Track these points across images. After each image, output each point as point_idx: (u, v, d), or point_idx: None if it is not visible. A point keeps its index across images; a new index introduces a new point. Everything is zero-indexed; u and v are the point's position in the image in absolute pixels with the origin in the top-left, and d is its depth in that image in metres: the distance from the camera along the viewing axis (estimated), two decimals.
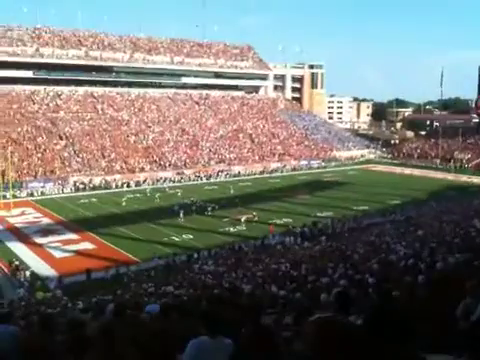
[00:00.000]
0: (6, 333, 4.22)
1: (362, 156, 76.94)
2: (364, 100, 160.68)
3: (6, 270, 26.02)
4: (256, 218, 36.47)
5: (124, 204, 41.57)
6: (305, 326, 2.21)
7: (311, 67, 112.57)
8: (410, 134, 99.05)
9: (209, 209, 39.33)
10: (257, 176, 60.34)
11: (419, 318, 2.98)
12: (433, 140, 77.96)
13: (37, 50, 71.10)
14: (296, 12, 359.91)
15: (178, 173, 57.23)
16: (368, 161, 74.51)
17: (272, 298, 9.24)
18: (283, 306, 7.83)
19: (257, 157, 67.07)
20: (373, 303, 1.69)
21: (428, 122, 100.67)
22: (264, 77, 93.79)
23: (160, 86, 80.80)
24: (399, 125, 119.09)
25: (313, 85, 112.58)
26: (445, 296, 4.35)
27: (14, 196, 43.23)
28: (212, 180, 56.68)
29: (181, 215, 36.53)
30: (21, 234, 33.44)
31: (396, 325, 1.80)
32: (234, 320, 3.26)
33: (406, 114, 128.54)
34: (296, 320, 5.36)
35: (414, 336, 1.96)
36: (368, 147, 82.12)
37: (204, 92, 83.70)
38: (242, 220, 35.39)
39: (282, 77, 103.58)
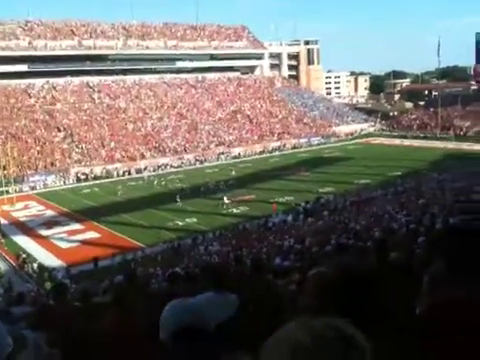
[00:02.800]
0: (19, 312, 4.38)
1: (362, 130, 76.73)
2: (361, 74, 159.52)
3: (14, 263, 26.29)
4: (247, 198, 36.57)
5: (120, 193, 41.37)
6: (306, 279, 2.33)
7: (307, 43, 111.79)
8: (409, 105, 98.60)
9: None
10: (257, 156, 60.35)
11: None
12: (432, 109, 77.57)
13: (30, 43, 70.55)
14: None
15: (178, 158, 57.28)
16: (368, 135, 74.33)
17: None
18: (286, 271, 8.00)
19: (256, 137, 66.97)
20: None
21: (426, 92, 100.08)
22: (260, 56, 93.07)
23: (156, 72, 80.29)
24: (397, 97, 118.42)
25: (309, 61, 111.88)
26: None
27: (16, 190, 43.37)
28: (213, 163, 56.72)
29: (178, 199, 36.48)
30: (26, 227, 33.67)
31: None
32: (239, 278, 3.40)
33: (404, 85, 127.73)
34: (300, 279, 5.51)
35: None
36: (367, 121, 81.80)
37: (200, 75, 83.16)
38: (226, 201, 35.38)
39: (278, 55, 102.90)
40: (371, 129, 78.34)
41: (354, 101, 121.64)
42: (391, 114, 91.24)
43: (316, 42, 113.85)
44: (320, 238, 16.94)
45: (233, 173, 47.35)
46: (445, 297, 1.49)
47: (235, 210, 34.92)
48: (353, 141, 69.21)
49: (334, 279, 1.48)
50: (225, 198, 35.61)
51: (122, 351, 2.63)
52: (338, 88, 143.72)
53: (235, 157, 59.65)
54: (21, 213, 37.60)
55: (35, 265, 25.32)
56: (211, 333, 1.96)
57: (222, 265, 3.75)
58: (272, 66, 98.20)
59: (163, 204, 36.71)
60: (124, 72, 76.64)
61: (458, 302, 1.42)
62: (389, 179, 40.91)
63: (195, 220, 32.94)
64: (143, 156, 56.71)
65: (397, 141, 66.72)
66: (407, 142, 64.90)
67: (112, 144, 57.71)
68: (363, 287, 1.38)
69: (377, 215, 22.25)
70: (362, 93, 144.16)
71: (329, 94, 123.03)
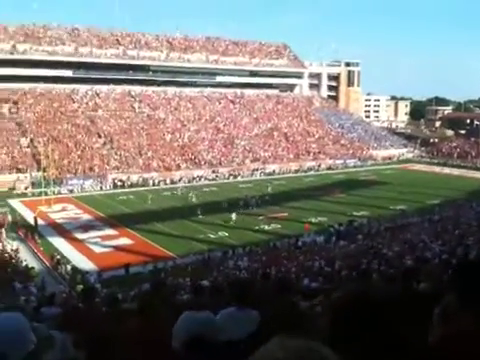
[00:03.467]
0: (49, 313, 4.51)
1: (400, 155, 75.60)
2: (402, 98, 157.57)
3: (48, 264, 26.87)
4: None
5: (150, 203, 41.48)
6: (330, 301, 2.35)
7: (347, 65, 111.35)
8: (450, 133, 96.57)
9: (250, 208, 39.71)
10: (292, 175, 60.17)
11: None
12: (473, 139, 75.82)
13: (76, 49, 72.96)
14: (333, 10, 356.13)
15: (213, 171, 57.72)
16: (406, 160, 73.17)
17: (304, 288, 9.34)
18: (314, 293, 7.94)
19: (292, 156, 66.86)
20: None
21: (468, 121, 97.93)
22: (299, 75, 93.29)
23: (196, 85, 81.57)
24: (438, 124, 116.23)
25: (349, 83, 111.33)
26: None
27: (55, 192, 44.49)
28: (247, 178, 56.86)
29: (233, 217, 35.68)
30: (62, 229, 34.39)
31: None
32: (262, 296, 3.42)
33: (446, 112, 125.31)
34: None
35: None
36: (406, 146, 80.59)
37: (239, 91, 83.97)
38: (233, 218, 35.19)
39: (318, 75, 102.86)
40: (410, 155, 77.13)
41: (393, 126, 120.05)
42: (431, 141, 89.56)
43: (357, 64, 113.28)
44: (350, 262, 16.71)
45: (269, 190, 47.27)
46: (456, 328, 1.49)
47: (267, 227, 34.84)
48: (390, 166, 68.19)
49: (346, 304, 1.50)
50: (233, 215, 35.55)
51: (143, 357, 2.70)
52: (377, 111, 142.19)
53: (269, 174, 59.65)
54: (58, 215, 38.46)
55: (69, 267, 25.73)
56: (222, 346, 2.01)
57: (248, 281, 3.80)
58: (311, 86, 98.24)
59: (196, 216, 36.92)
60: (165, 83, 78.14)
61: (469, 333, 1.42)
62: (426, 207, 40.05)
63: (226, 234, 33.01)
64: (179, 167, 57.41)
65: (436, 168, 65.37)
66: (446, 170, 63.51)
67: (149, 153, 58.68)
68: (375, 314, 1.40)
69: (411, 243, 21.79)
70: (402, 118, 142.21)
71: (368, 117, 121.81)
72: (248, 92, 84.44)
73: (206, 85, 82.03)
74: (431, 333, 1.73)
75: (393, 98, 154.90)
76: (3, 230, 31.55)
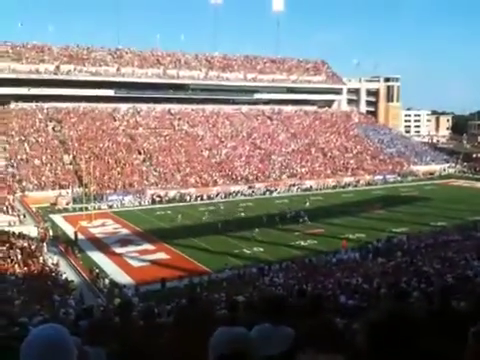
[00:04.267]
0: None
1: (442, 171, 73.80)
2: (443, 113, 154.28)
3: (87, 278, 27.40)
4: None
5: (179, 220, 41.45)
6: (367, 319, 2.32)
7: (387, 80, 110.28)
8: None
9: (301, 220, 39.95)
10: (329, 190, 59.57)
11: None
12: None
13: (118, 70, 75.21)
14: (372, 25, 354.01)
15: (250, 187, 57.79)
16: (448, 176, 71.33)
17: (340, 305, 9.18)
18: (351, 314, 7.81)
19: (329, 171, 66.27)
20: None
21: None
22: (338, 91, 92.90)
23: (234, 102, 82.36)
24: None
25: (389, 98, 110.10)
26: None
27: (95, 208, 45.51)
28: (283, 194, 56.66)
29: (256, 230, 36.21)
30: (101, 244, 35.09)
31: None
32: (298, 312, 3.40)
33: None
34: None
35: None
36: (448, 161, 78.61)
37: (276, 107, 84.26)
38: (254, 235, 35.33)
39: (356, 91, 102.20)
40: (451, 170, 75.20)
41: (435, 140, 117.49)
42: (473, 156, 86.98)
43: (397, 79, 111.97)
44: (389, 279, 16.34)
45: (307, 204, 46.99)
46: None
47: (303, 242, 34.55)
48: (431, 181, 66.60)
49: (383, 323, 1.49)
50: (256, 231, 35.62)
51: None
52: (418, 126, 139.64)
53: (306, 190, 59.24)
54: (98, 230, 39.30)
55: (107, 281, 26.18)
56: None
57: (283, 297, 3.78)
58: (350, 101, 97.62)
59: (232, 231, 36.99)
60: (203, 101, 79.25)
61: None
62: (468, 223, 38.81)
63: (262, 249, 32.91)
64: (216, 183, 57.79)
65: (478, 184, 63.41)
66: None
67: (188, 169, 59.37)
68: (411, 332, 1.39)
69: (453, 260, 21.15)
70: (443, 133, 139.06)
71: (408, 132, 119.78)
72: (286, 109, 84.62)
73: (244, 102, 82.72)
74: (467, 352, 1.69)
75: (434, 113, 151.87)
76: (44, 244, 32.44)
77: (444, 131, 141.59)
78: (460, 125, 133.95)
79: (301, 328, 3.24)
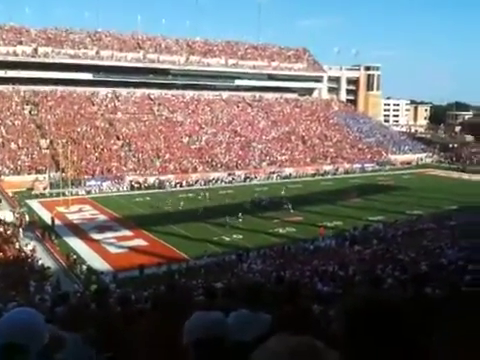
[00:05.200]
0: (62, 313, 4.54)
1: (419, 160, 74.85)
2: (422, 103, 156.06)
3: (64, 264, 27.17)
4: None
5: (182, 206, 41.14)
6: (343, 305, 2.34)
7: (367, 69, 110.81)
8: (469, 138, 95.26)
9: (285, 206, 40.15)
10: (309, 178, 59.98)
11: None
12: None
13: (97, 53, 73.90)
14: (354, 14, 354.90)
15: (229, 174, 57.81)
16: (424, 165, 72.42)
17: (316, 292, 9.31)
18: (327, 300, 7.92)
19: (309, 159, 66.65)
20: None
21: None
22: (318, 79, 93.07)
23: (214, 89, 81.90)
24: (458, 129, 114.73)
25: (369, 87, 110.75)
26: None
27: (72, 193, 44.98)
28: (263, 181, 56.84)
29: (240, 215, 36.70)
30: (79, 230, 34.75)
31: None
32: (276, 299, 3.43)
33: (466, 117, 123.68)
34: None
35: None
36: (425, 151, 79.72)
37: (257, 94, 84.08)
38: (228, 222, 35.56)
39: (337, 79, 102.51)
40: (428, 160, 76.34)
41: (413, 130, 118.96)
42: (450, 146, 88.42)
43: (377, 68, 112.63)
44: (365, 267, 16.59)
45: (282, 192, 47.19)
46: (460, 332, 1.50)
47: (281, 230, 34.79)
48: (409, 171, 67.55)
49: (359, 309, 1.52)
50: (227, 218, 35.81)
51: (154, 355, 2.73)
52: (397, 116, 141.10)
53: (286, 177, 59.56)
54: (75, 216, 38.88)
55: (84, 267, 26.02)
56: (231, 347, 2.04)
57: (260, 284, 3.81)
58: (330, 90, 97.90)
59: (211, 218, 37.00)
60: (184, 87, 78.63)
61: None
62: (443, 212, 39.56)
63: (241, 237, 33.04)
64: (195, 169, 57.63)
65: (455, 174, 64.54)
66: (465, 176, 62.64)
67: (167, 156, 59.02)
68: (387, 319, 1.42)
69: (427, 249, 21.55)
70: (421, 122, 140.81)
71: (387, 121, 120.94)
72: (266, 96, 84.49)
73: (225, 89, 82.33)
74: (437, 337, 1.74)
75: (413, 102, 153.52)
76: (20, 230, 32.01)
77: (422, 121, 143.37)
78: (438, 115, 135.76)
79: (278, 314, 3.28)
